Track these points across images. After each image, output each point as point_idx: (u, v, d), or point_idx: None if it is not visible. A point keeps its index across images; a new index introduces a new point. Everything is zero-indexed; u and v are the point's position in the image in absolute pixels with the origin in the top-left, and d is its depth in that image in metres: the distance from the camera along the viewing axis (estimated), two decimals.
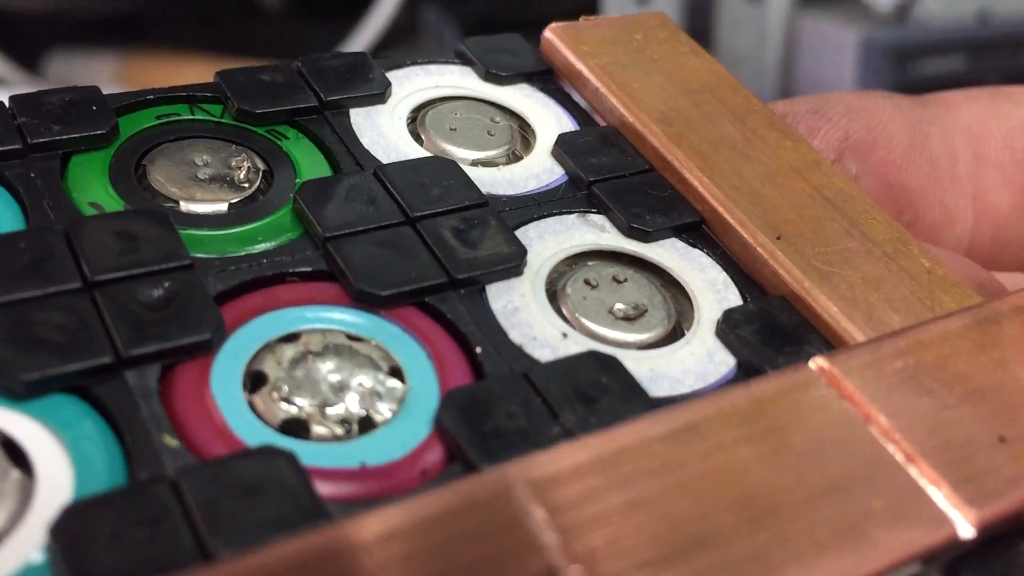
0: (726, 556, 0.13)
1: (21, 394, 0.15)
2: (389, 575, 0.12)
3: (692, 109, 0.22)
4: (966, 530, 0.14)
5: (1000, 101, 0.27)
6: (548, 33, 0.24)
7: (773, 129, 0.22)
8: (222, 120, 0.21)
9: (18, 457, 0.14)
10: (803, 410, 0.15)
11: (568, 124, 0.23)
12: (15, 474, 0.14)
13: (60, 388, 0.15)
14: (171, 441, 0.15)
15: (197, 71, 0.54)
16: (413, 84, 0.23)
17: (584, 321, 0.18)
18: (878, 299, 0.19)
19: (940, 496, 0.15)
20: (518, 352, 0.17)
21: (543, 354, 0.17)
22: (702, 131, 0.22)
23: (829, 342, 0.18)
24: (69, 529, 0.13)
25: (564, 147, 0.22)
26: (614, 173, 0.21)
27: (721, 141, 0.21)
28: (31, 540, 0.13)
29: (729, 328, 0.18)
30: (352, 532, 0.13)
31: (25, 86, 0.57)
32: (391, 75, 0.23)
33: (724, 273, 0.20)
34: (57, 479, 0.14)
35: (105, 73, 0.61)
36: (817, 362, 0.16)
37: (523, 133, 0.23)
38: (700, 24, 0.76)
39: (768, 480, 0.14)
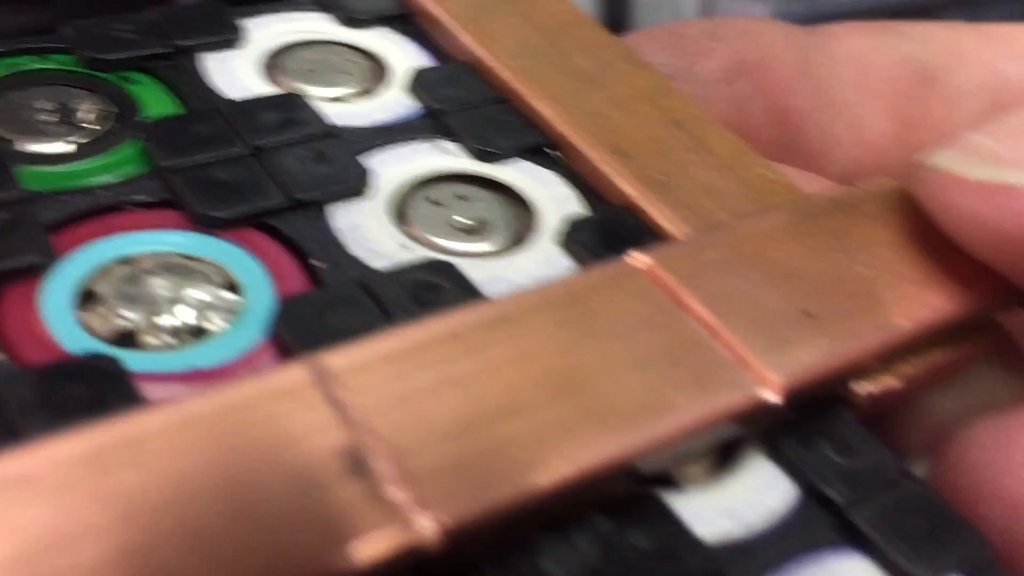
0: (529, 424, 0.14)
1: None
2: (180, 461, 0.13)
3: (546, 45, 0.23)
4: (770, 396, 0.15)
5: (884, 34, 0.28)
6: None
7: (626, 62, 0.23)
8: (72, 68, 0.21)
9: None
10: (617, 297, 0.16)
11: (425, 61, 0.23)
12: None
13: None
14: None
15: None
16: (270, 30, 0.23)
17: (426, 235, 0.19)
18: (713, 204, 0.19)
19: (745, 364, 0.15)
20: (356, 263, 0.18)
21: (381, 264, 0.18)
22: (552, 63, 0.22)
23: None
24: None
25: (419, 82, 0.22)
26: (466, 104, 0.22)
27: (569, 71, 0.22)
28: None
29: (571, 234, 0.19)
30: (145, 420, 0.13)
31: None
32: (247, 22, 0.23)
33: (569, 188, 0.20)
34: None
35: None
36: (635, 256, 0.17)
37: (381, 72, 0.23)
38: (616, 9, 0.76)
39: (577, 359, 0.15)
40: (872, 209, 0.19)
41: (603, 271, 0.16)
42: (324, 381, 0.14)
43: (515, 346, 0.15)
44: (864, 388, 0.16)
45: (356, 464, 0.13)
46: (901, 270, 0.18)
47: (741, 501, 0.15)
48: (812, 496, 0.15)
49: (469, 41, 0.23)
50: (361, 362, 0.14)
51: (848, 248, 0.18)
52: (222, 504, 0.12)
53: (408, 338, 0.15)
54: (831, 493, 0.15)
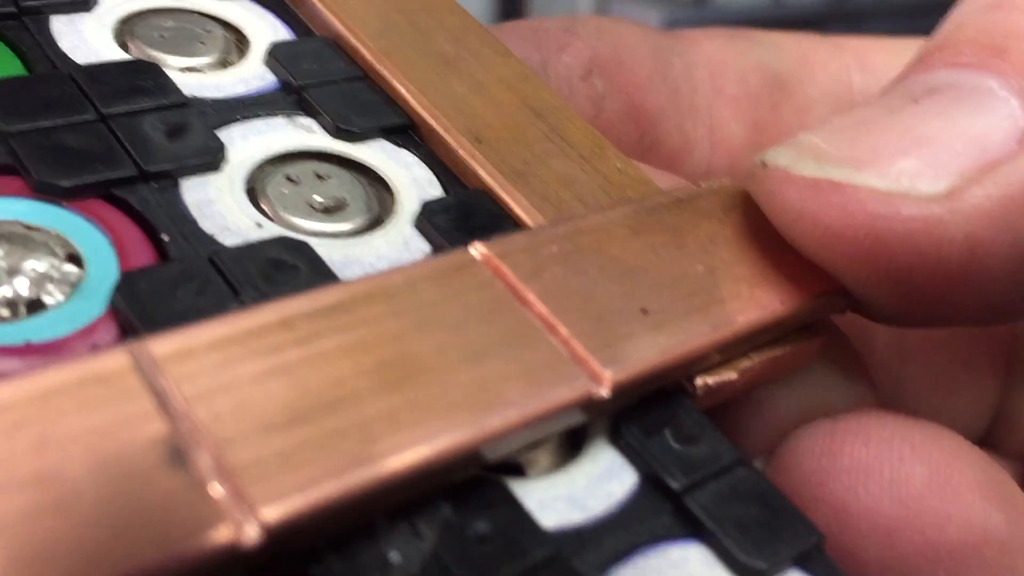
0: (357, 416, 0.14)
1: None
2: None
3: (407, 26, 0.23)
4: (601, 391, 0.15)
5: (738, 40, 0.29)
6: None
7: (487, 47, 0.23)
8: None
9: None
10: (455, 289, 0.16)
11: (285, 35, 0.23)
12: None
13: None
14: None
15: None
16: None
17: (282, 213, 0.18)
18: (570, 195, 0.20)
19: (578, 361, 0.15)
20: (208, 240, 0.17)
21: (234, 241, 0.17)
22: (414, 45, 0.22)
23: (521, 228, 0.19)
24: None
25: (277, 55, 0.22)
26: (325, 79, 0.21)
27: (432, 54, 0.22)
28: None
29: (426, 217, 0.19)
30: None
31: None
32: None
33: (429, 171, 0.20)
34: None
35: None
36: (476, 247, 0.17)
37: (238, 44, 0.23)
38: (511, 8, 0.77)
39: (410, 350, 0.15)
40: (712, 208, 0.19)
41: (442, 261, 0.16)
42: (145, 368, 0.13)
43: (347, 336, 0.15)
44: (703, 380, 0.17)
45: (176, 455, 0.13)
46: (737, 270, 0.18)
47: (583, 488, 0.15)
48: (651, 483, 0.16)
49: (330, 18, 0.23)
50: (185, 348, 0.14)
51: (687, 246, 0.18)
52: (32, 497, 0.12)
53: (236, 325, 0.14)
54: (668, 480, 0.15)
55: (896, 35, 0.30)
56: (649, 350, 0.16)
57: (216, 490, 0.12)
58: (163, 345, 0.14)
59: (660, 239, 0.18)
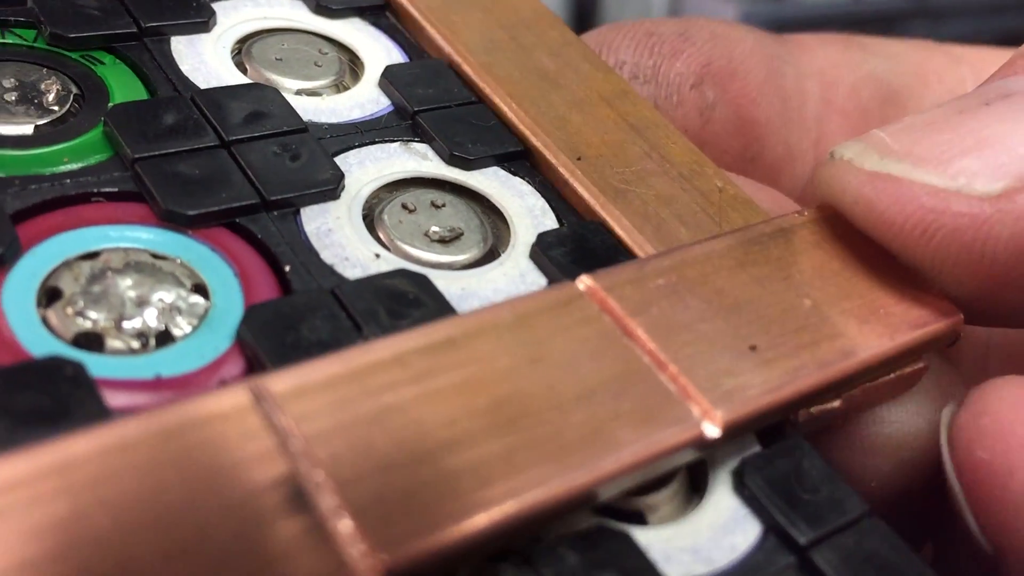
0: (472, 458, 0.14)
1: None
2: (113, 490, 0.12)
3: (509, 42, 0.23)
4: (711, 430, 0.15)
5: (852, 50, 0.28)
6: None
7: (586, 62, 0.23)
8: (34, 44, 0.20)
9: None
10: (564, 324, 0.16)
11: (398, 57, 0.23)
12: None
13: None
14: None
15: None
16: (240, 15, 0.23)
17: (399, 243, 0.18)
18: (669, 214, 0.19)
19: (689, 400, 0.15)
20: (328, 271, 0.17)
21: (354, 273, 0.17)
22: (516, 62, 0.22)
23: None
24: None
25: (391, 78, 0.22)
26: (439, 103, 0.21)
27: (533, 71, 0.22)
28: None
29: (542, 250, 0.19)
30: (75, 444, 0.12)
31: None
32: (218, 6, 0.22)
33: (543, 200, 0.20)
34: None
35: None
36: (583, 280, 0.17)
37: (352, 66, 0.23)
38: (586, 8, 0.76)
39: (522, 388, 0.15)
40: (817, 238, 0.19)
41: (550, 295, 0.16)
42: (264, 406, 0.13)
43: (460, 373, 0.15)
44: (806, 410, 0.17)
45: (296, 497, 0.13)
46: (845, 304, 0.18)
47: (706, 539, 0.15)
48: (775, 535, 0.15)
49: (435, 36, 0.23)
50: (303, 386, 0.14)
51: (793, 279, 0.18)
52: (159, 540, 0.12)
53: (352, 362, 0.14)
54: (794, 533, 0.15)
55: (976, 33, 0.29)
56: (759, 389, 0.16)
57: (339, 532, 0.13)
58: (282, 382, 0.14)
59: (765, 271, 0.18)
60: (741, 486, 0.16)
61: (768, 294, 0.17)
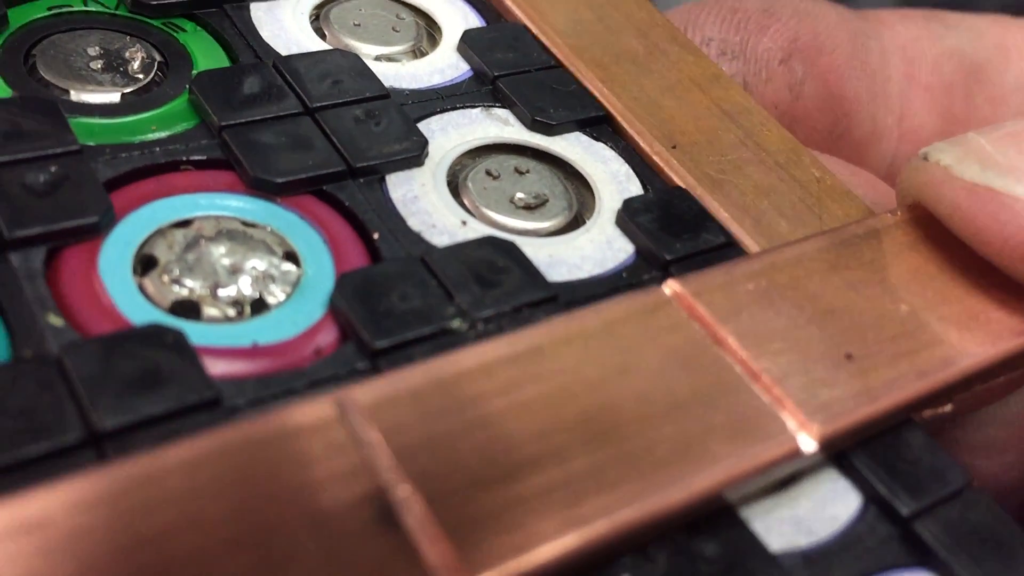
0: (564, 473, 0.13)
1: None
2: (201, 505, 0.12)
3: (596, 22, 0.22)
4: (808, 444, 0.15)
5: (933, 24, 0.27)
6: None
7: (675, 43, 0.22)
8: (116, 12, 0.20)
9: None
10: (652, 332, 0.15)
11: (475, 21, 0.23)
12: None
13: None
14: (56, 320, 0.14)
15: None
16: None
17: (484, 210, 0.18)
18: (768, 206, 0.19)
19: (783, 413, 0.15)
20: (416, 238, 0.17)
21: (441, 240, 0.17)
22: (604, 44, 0.22)
23: (726, 230, 0.18)
24: None
25: (469, 43, 0.21)
26: (519, 68, 0.21)
27: (623, 54, 0.21)
28: None
29: (628, 216, 0.18)
30: (162, 457, 0.12)
31: None
32: None
33: (627, 165, 0.20)
34: None
35: None
36: (670, 285, 0.16)
37: (429, 30, 0.22)
38: None
39: (611, 400, 0.14)
40: (912, 240, 0.18)
41: (636, 300, 0.16)
42: (351, 419, 0.13)
43: (547, 384, 0.14)
44: (918, 415, 0.16)
45: (385, 514, 0.12)
46: (943, 310, 0.17)
47: (807, 510, 0.15)
48: (877, 506, 0.15)
49: (520, 15, 0.22)
50: (389, 398, 0.14)
51: (888, 283, 0.17)
52: (247, 558, 0.12)
53: (437, 373, 0.14)
54: (897, 505, 0.15)
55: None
56: (856, 401, 0.15)
57: (431, 552, 0.12)
58: (368, 394, 0.14)
59: (859, 275, 0.17)
60: (840, 456, 0.15)
61: (862, 299, 0.17)
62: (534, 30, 0.22)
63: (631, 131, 0.20)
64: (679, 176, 0.19)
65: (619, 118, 0.20)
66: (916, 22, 0.26)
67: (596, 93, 0.20)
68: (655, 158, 0.19)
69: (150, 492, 0.12)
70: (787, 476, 0.15)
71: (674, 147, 0.19)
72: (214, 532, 0.12)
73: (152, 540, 0.12)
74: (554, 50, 0.21)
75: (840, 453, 0.15)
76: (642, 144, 0.20)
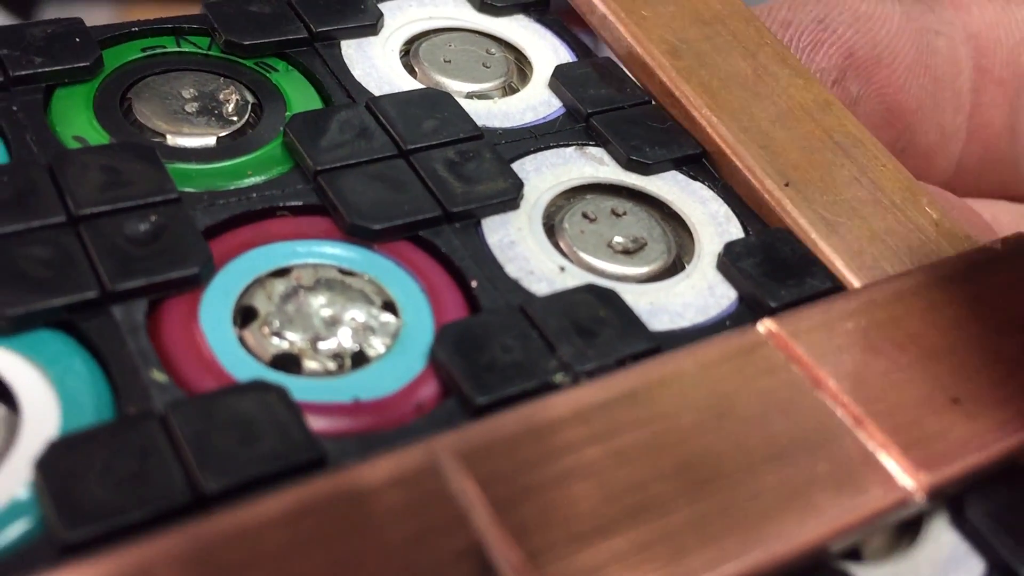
0: (664, 526, 0.13)
1: (5, 329, 0.14)
2: (297, 563, 0.12)
3: (703, 42, 0.21)
4: (915, 495, 0.14)
5: (1012, 6, 0.25)
6: None
7: (784, 65, 0.21)
8: (209, 52, 0.20)
9: (3, 393, 0.14)
10: (748, 375, 0.15)
11: (565, 56, 0.22)
12: (0, 410, 0.14)
13: (45, 323, 0.15)
14: (159, 376, 0.14)
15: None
16: (406, 15, 0.22)
17: (582, 255, 0.18)
18: (885, 251, 0.18)
19: (889, 460, 0.14)
20: (514, 286, 0.17)
21: (540, 288, 0.17)
22: (712, 66, 0.21)
23: (833, 275, 0.18)
24: (55, 464, 0.13)
25: (561, 79, 0.21)
26: (612, 105, 0.21)
27: (731, 77, 0.21)
28: (17, 476, 0.13)
29: (730, 261, 0.18)
30: (257, 510, 0.12)
31: None
32: (383, 6, 0.22)
33: (725, 206, 0.19)
34: (43, 415, 0.14)
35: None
36: (766, 324, 0.16)
37: (519, 65, 0.22)
38: None
39: (710, 447, 0.14)
40: (1015, 274, 0.17)
41: (731, 341, 0.15)
42: (446, 471, 0.13)
43: (644, 431, 0.14)
44: None
45: (485, 570, 0.12)
46: None
47: (926, 575, 0.14)
48: (1000, 571, 0.14)
49: (623, 32, 0.21)
50: (483, 447, 0.13)
51: (992, 321, 0.16)
52: None
53: (530, 419, 0.14)
54: (1022, 571, 0.14)
55: None
56: (965, 448, 0.14)
57: None
58: (461, 443, 0.13)
59: (962, 312, 0.16)
60: (961, 520, 0.15)
61: (967, 338, 0.16)
62: (639, 51, 0.21)
63: (741, 166, 0.19)
64: (790, 217, 0.18)
65: (729, 152, 0.19)
66: (993, 6, 0.25)
67: (704, 123, 0.20)
68: (766, 196, 0.19)
69: (248, 547, 0.12)
70: (900, 539, 0.14)
71: (787, 184, 0.19)
72: None
73: None
74: (659, 74, 0.21)
75: (957, 508, 0.15)
76: (753, 181, 0.19)
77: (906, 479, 0.14)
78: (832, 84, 0.23)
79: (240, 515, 0.12)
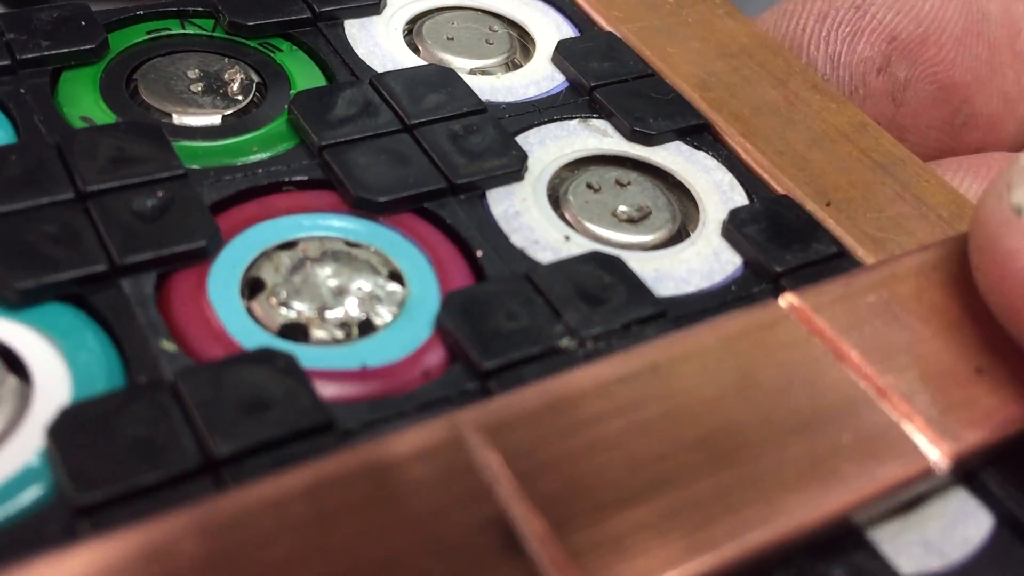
0: (687, 497, 0.13)
1: (16, 303, 0.15)
2: (326, 533, 0.12)
3: (731, 73, 0.21)
4: (941, 464, 0.14)
5: None
6: None
7: (816, 91, 0.21)
8: (214, 34, 0.20)
9: (15, 365, 0.14)
10: (770, 347, 0.15)
11: (568, 31, 0.22)
12: (12, 381, 0.14)
13: (56, 297, 0.15)
14: (169, 346, 0.14)
15: None
16: None
17: (587, 224, 0.18)
18: None
19: (913, 431, 0.14)
20: (519, 255, 0.17)
21: (545, 256, 0.17)
22: (743, 96, 0.21)
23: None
24: (67, 430, 0.13)
25: (564, 53, 0.21)
26: (615, 77, 0.21)
27: (763, 106, 0.21)
28: (29, 444, 0.13)
29: (735, 227, 0.18)
30: (284, 481, 0.12)
31: None
32: None
33: (730, 174, 0.19)
34: (55, 385, 0.14)
35: None
36: (787, 298, 0.16)
37: (522, 42, 0.22)
38: None
39: (733, 419, 0.14)
40: None
41: (753, 315, 0.15)
42: (469, 442, 0.13)
43: (666, 404, 0.14)
44: None
45: (509, 541, 0.12)
46: None
47: (937, 533, 0.14)
48: (1010, 527, 0.14)
49: (653, 61, 0.21)
50: (506, 421, 0.13)
51: None
52: None
53: (552, 394, 0.14)
54: None
55: None
56: (990, 418, 0.14)
57: None
58: (484, 417, 0.13)
59: None
60: (969, 474, 0.15)
61: (989, 310, 0.16)
62: (668, 82, 0.21)
63: (780, 189, 0.19)
64: (836, 235, 0.18)
65: (766, 176, 0.19)
66: None
67: (739, 150, 0.20)
68: (810, 217, 0.19)
69: (274, 519, 0.12)
70: (915, 497, 0.14)
71: (828, 204, 0.19)
72: (339, 560, 0.12)
73: (277, 568, 0.11)
74: (690, 101, 0.21)
75: (969, 471, 0.15)
76: (799, 202, 0.19)
77: (931, 449, 0.14)
78: (878, 72, 0.23)
79: (264, 488, 0.12)
